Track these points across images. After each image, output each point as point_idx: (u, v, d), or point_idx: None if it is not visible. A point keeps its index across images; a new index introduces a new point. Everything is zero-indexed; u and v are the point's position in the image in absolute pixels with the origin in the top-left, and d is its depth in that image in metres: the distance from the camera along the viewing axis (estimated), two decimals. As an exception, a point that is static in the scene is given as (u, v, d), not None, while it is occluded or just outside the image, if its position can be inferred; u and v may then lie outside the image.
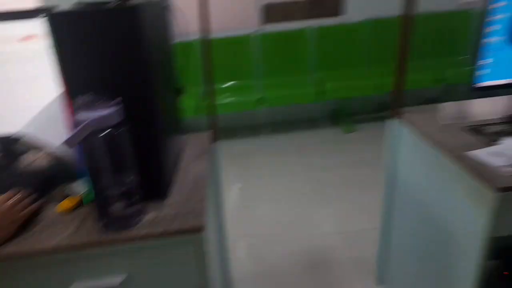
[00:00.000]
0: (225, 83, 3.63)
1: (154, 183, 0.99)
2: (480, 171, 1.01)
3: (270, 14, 3.91)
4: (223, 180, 1.54)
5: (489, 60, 1.26)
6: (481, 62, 1.27)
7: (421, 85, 3.42)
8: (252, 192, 2.74)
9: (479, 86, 1.30)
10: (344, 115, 3.70)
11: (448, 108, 1.51)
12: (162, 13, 1.13)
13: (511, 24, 0.99)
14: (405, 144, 1.43)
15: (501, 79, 1.31)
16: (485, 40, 1.23)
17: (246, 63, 3.67)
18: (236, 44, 3.62)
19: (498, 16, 1.20)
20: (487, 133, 1.22)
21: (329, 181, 2.77)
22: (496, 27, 1.21)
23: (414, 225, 1.45)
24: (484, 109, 1.47)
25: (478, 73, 1.28)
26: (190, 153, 1.32)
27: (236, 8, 3.80)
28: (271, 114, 3.89)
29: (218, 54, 3.38)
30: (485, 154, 1.07)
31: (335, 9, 3.82)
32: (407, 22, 1.29)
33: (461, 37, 3.67)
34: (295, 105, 3.82)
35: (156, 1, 1.05)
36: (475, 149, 1.11)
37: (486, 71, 1.28)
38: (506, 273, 1.62)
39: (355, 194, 2.58)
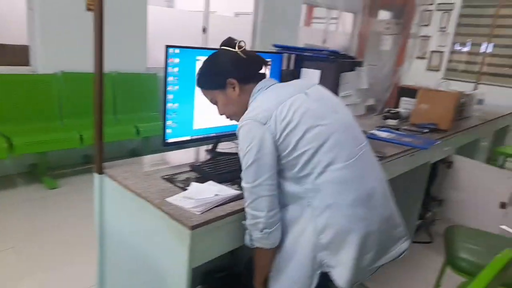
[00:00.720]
0: None
1: None
2: (177, 214, 1.19)
3: None
4: None
5: (170, 122, 1.53)
6: (166, 123, 1.52)
7: (123, 138, 3.64)
8: None
9: (168, 142, 1.55)
10: (45, 170, 3.35)
11: (147, 160, 1.69)
12: None
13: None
14: (112, 197, 1.48)
15: (182, 136, 1.61)
16: (167, 104, 1.50)
17: None
18: None
19: (172, 88, 1.50)
20: (178, 180, 1.45)
21: (36, 246, 2.41)
22: (171, 96, 1.51)
23: (130, 273, 1.50)
24: (175, 160, 1.75)
25: (165, 131, 1.53)
26: None
27: None
28: None
29: None
30: (179, 199, 1.28)
31: (19, 58, 3.50)
32: (99, 80, 1.38)
33: (152, 96, 4.19)
34: None
35: None
36: (171, 195, 1.31)
37: (170, 130, 1.54)
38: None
39: (66, 254, 2.37)
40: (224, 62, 1.28)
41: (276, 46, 1.96)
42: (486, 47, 4.68)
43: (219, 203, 1.28)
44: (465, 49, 5.92)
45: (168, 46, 1.43)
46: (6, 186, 3.19)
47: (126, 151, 4.02)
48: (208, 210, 1.24)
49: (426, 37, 6.18)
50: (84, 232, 2.60)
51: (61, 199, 3.09)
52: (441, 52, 6.08)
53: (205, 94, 1.35)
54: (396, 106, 3.08)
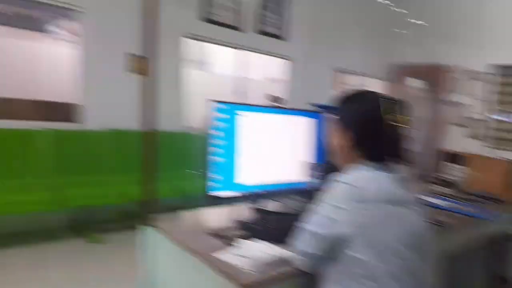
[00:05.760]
0: None
1: None
2: (229, 272, 1.12)
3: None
4: None
5: (214, 177, 1.50)
6: (210, 177, 1.48)
7: (163, 195, 3.62)
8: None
9: (211, 196, 1.49)
10: (88, 224, 3.36)
11: (191, 215, 1.65)
12: None
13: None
14: (159, 250, 1.43)
15: (227, 191, 1.56)
16: (212, 158, 1.47)
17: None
18: None
19: (220, 141, 1.49)
20: (226, 236, 1.39)
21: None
22: (219, 150, 1.49)
23: None
24: (219, 216, 1.70)
25: (209, 186, 1.48)
26: None
27: None
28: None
29: None
30: (231, 256, 1.21)
31: (72, 115, 3.69)
32: (151, 137, 1.43)
33: (190, 154, 4.26)
34: (27, 214, 3.19)
35: None
36: (221, 252, 1.24)
37: (214, 185, 1.50)
38: None
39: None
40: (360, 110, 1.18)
41: (315, 105, 1.93)
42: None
43: (274, 264, 1.19)
44: (506, 119, 5.67)
45: (214, 101, 1.46)
46: (49, 239, 3.20)
47: (165, 208, 4.00)
48: (263, 270, 1.15)
49: (461, 104, 6.00)
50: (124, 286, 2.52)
51: (102, 254, 3.05)
52: (480, 119, 5.86)
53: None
54: (438, 171, 2.96)
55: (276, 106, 1.76)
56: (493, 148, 5.44)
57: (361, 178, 1.09)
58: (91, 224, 3.39)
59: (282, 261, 1.22)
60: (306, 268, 1.16)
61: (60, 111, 3.88)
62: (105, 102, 3.69)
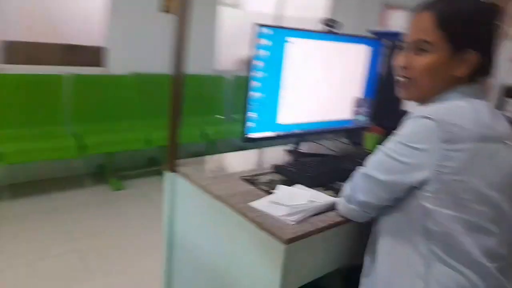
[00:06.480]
0: None
1: None
2: (267, 223, 0.95)
3: (12, 53, 3.25)
4: None
5: (254, 115, 1.30)
6: (248, 115, 1.29)
7: (188, 140, 3.50)
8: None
9: (248, 137, 1.31)
10: (111, 171, 3.31)
11: (221, 159, 1.49)
12: None
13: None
14: (184, 198, 1.29)
15: (265, 131, 1.37)
16: (251, 93, 1.27)
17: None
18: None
19: (258, 74, 1.27)
20: (261, 182, 1.22)
21: (96, 249, 2.31)
22: (256, 83, 1.28)
23: (200, 283, 1.29)
24: (252, 160, 1.53)
25: (246, 124, 1.30)
26: None
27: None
28: (14, 172, 3.08)
29: None
30: (266, 205, 1.04)
31: (95, 59, 3.53)
32: (179, 81, 1.22)
33: (218, 99, 4.06)
34: (49, 162, 3.17)
35: None
36: (255, 199, 1.07)
37: (252, 124, 1.31)
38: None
39: (129, 260, 2.24)
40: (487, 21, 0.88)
41: (373, 32, 1.66)
42: None
43: (316, 212, 1.02)
44: None
45: (259, 25, 1.22)
46: (72, 187, 3.17)
47: (188, 154, 3.92)
48: (304, 220, 0.98)
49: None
50: (149, 236, 2.47)
51: (125, 201, 3.01)
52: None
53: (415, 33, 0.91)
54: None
55: (330, 31, 1.48)
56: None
57: (454, 111, 0.84)
58: (114, 170, 3.31)
59: (324, 208, 1.05)
60: (358, 219, 0.98)
61: (82, 54, 3.73)
62: (130, 45, 3.50)
